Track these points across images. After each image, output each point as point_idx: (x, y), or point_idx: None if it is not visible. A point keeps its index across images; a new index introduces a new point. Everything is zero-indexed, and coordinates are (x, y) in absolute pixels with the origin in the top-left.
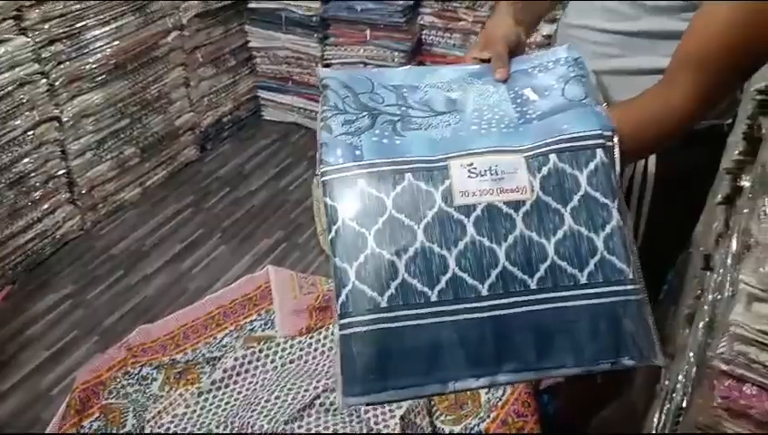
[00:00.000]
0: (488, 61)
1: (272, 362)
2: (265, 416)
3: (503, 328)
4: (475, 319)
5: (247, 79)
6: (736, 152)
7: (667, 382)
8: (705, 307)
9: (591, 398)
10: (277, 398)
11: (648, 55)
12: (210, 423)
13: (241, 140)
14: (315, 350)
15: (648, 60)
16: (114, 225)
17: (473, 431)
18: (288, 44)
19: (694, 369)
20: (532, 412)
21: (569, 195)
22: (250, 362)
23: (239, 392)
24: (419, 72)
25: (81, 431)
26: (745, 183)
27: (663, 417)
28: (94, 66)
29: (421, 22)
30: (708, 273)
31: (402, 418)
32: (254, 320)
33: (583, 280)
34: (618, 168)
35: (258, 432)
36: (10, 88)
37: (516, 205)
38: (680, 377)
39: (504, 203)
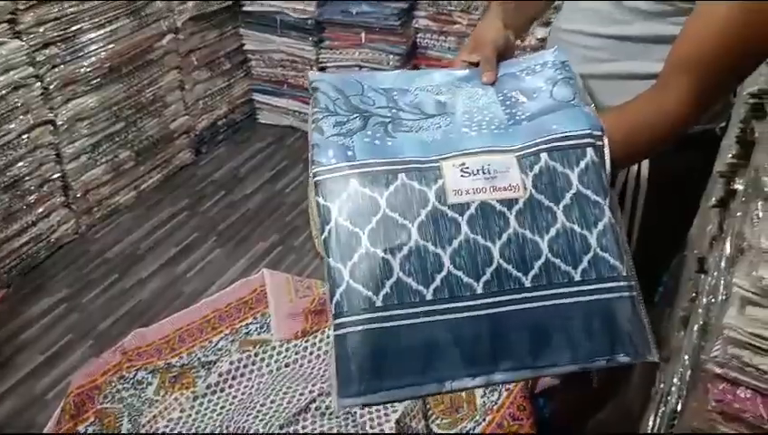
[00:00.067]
0: (477, 64)
1: (267, 365)
2: (261, 420)
3: (498, 326)
4: (470, 317)
5: (242, 82)
6: (730, 156)
7: (662, 385)
8: (700, 310)
9: (587, 401)
10: (273, 402)
11: (640, 60)
12: (206, 428)
13: (236, 144)
14: (311, 353)
15: (639, 64)
16: (109, 228)
17: None
18: (283, 47)
19: (688, 372)
20: (527, 416)
21: (561, 193)
22: (245, 366)
23: (234, 396)
24: (409, 75)
25: None
26: (739, 186)
27: (658, 420)
28: (89, 70)
29: (416, 25)
30: (703, 276)
31: (398, 421)
32: (250, 323)
33: (577, 277)
34: (608, 167)
35: None
36: (4, 91)
37: (509, 203)
38: (675, 380)
39: (497, 201)
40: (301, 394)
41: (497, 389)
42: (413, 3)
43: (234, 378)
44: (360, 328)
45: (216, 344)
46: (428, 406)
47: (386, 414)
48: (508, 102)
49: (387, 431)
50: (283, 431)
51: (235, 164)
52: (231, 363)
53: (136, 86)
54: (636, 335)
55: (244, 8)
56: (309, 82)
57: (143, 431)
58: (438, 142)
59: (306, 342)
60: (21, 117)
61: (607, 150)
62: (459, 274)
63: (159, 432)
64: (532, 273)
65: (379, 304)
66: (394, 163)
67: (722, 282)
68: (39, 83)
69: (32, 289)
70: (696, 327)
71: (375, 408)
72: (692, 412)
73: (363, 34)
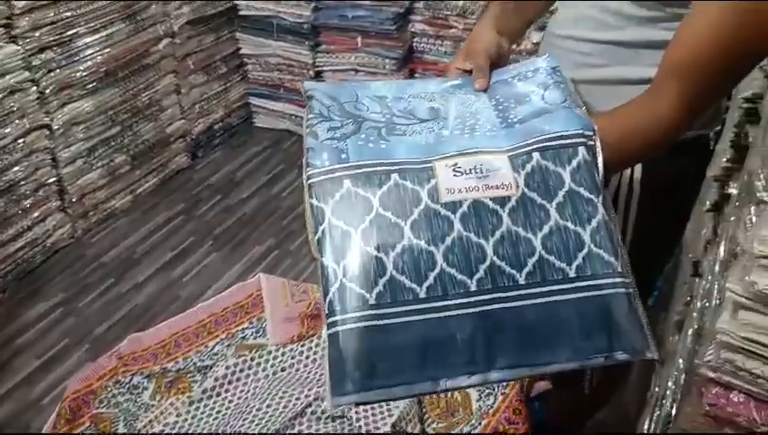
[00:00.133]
0: (470, 72)
1: (263, 370)
2: (257, 425)
3: (493, 323)
4: (464, 314)
5: (238, 86)
6: (724, 160)
7: (657, 389)
8: (694, 314)
9: (582, 405)
10: (269, 406)
11: (633, 65)
12: (201, 432)
13: (232, 148)
14: (307, 358)
15: (632, 70)
16: (105, 233)
17: None
18: (279, 52)
19: (683, 376)
20: (523, 420)
21: (553, 191)
22: (241, 371)
23: (230, 401)
24: (403, 84)
25: None
26: (733, 190)
27: (653, 424)
28: (85, 74)
29: (412, 29)
30: (697, 280)
31: (394, 425)
32: (246, 328)
33: (572, 274)
34: (600, 166)
35: None
36: (0, 96)
37: (502, 201)
38: (670, 383)
39: (489, 199)
40: (297, 399)
41: (493, 392)
42: (409, 7)
43: (230, 382)
44: (353, 326)
45: (212, 349)
46: (424, 410)
47: (382, 418)
48: (500, 107)
49: None
50: None
51: (232, 168)
52: (227, 368)
53: (132, 90)
54: (634, 332)
55: (241, 12)
56: (304, 90)
57: None
58: (431, 144)
59: (302, 346)
60: (17, 121)
61: (599, 149)
62: (452, 271)
63: None
64: (525, 270)
65: (372, 302)
66: (387, 164)
67: (716, 286)
68: (35, 88)
69: (27, 294)
70: (690, 331)
71: (371, 412)
72: (686, 416)
73: (359, 39)
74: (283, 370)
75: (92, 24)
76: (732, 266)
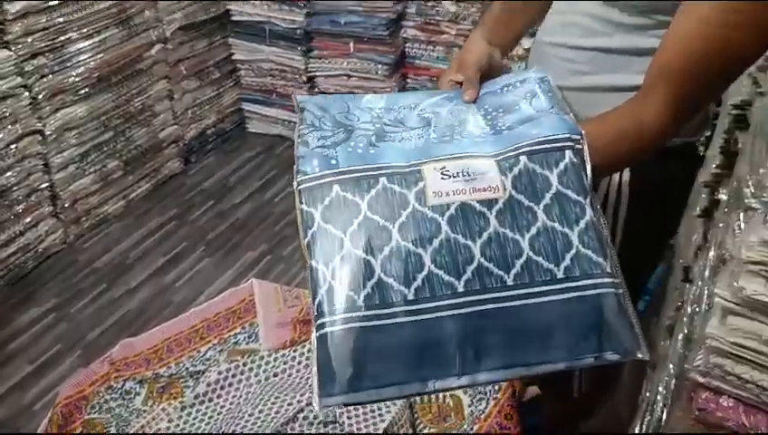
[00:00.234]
0: (462, 84)
1: (255, 375)
2: (249, 430)
3: (481, 324)
4: (452, 316)
5: (231, 91)
6: (714, 166)
7: (648, 394)
8: (685, 319)
9: (573, 409)
10: (261, 411)
11: (622, 72)
12: None
13: (225, 153)
14: (299, 363)
15: (621, 77)
16: (97, 238)
17: None
18: (272, 57)
19: (673, 381)
20: (514, 425)
21: (541, 193)
22: (234, 376)
23: (223, 406)
24: (394, 96)
25: None
26: (723, 196)
27: (644, 429)
28: (77, 79)
29: (404, 35)
30: (688, 285)
31: (385, 431)
32: (238, 333)
33: (560, 274)
34: (588, 169)
35: None
36: None
37: (489, 203)
38: (660, 388)
39: (477, 202)
40: (289, 404)
41: (485, 398)
42: (401, 13)
43: (222, 388)
44: (341, 327)
45: (205, 354)
46: (416, 415)
47: (374, 423)
48: (489, 116)
49: None
50: None
51: (225, 173)
52: (219, 373)
53: (125, 96)
54: (623, 332)
55: (233, 18)
56: (296, 102)
57: None
58: (420, 149)
59: (294, 351)
60: (9, 127)
61: (586, 153)
62: (440, 273)
63: None
64: (513, 271)
65: (360, 303)
66: (375, 168)
67: (705, 291)
68: (27, 93)
69: (20, 299)
70: (680, 336)
71: (363, 417)
72: (676, 421)
73: (352, 44)
74: (275, 375)
75: (85, 30)
76: (720, 272)
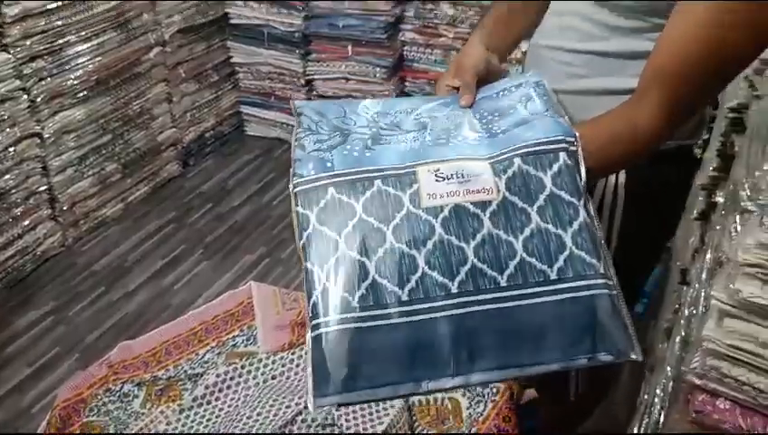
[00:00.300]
0: (458, 89)
1: (254, 378)
2: (247, 432)
3: (475, 326)
4: (446, 317)
5: (230, 94)
6: (711, 168)
7: (646, 396)
8: (682, 322)
9: (570, 412)
10: (259, 414)
11: (618, 76)
12: None
13: (223, 156)
14: (297, 365)
15: (617, 80)
16: (96, 241)
17: None
18: (270, 60)
19: (671, 383)
20: (512, 427)
21: (534, 195)
22: (232, 379)
23: (221, 409)
24: (390, 102)
25: None
26: (719, 199)
27: (642, 431)
28: (76, 82)
29: (402, 38)
30: (685, 287)
31: (384, 433)
32: (237, 336)
33: (554, 276)
34: (582, 172)
35: None
36: None
37: (483, 205)
38: (658, 391)
39: (470, 203)
40: (287, 407)
41: (483, 400)
42: (399, 16)
43: (220, 390)
44: (335, 328)
45: (203, 357)
46: (414, 417)
47: (372, 426)
48: (484, 121)
49: None
50: None
51: (223, 176)
52: (217, 376)
53: (123, 99)
54: (617, 333)
55: (232, 21)
56: (294, 108)
57: None
58: (415, 151)
59: (293, 354)
60: (7, 130)
61: (580, 155)
62: (434, 274)
63: None
64: (507, 272)
65: (354, 304)
66: (370, 171)
67: (702, 294)
68: (26, 96)
69: (18, 302)
70: (678, 338)
71: (361, 420)
72: (673, 423)
73: (350, 47)
74: (273, 377)
75: (83, 33)
76: (717, 274)
